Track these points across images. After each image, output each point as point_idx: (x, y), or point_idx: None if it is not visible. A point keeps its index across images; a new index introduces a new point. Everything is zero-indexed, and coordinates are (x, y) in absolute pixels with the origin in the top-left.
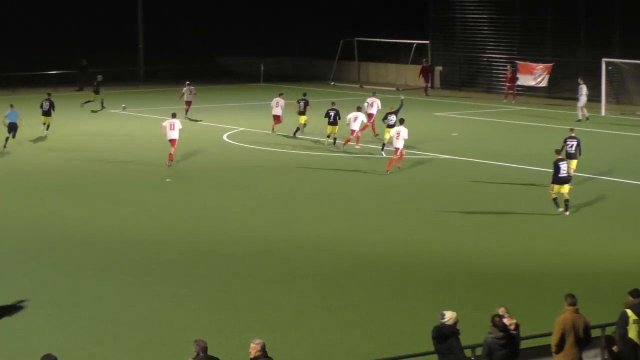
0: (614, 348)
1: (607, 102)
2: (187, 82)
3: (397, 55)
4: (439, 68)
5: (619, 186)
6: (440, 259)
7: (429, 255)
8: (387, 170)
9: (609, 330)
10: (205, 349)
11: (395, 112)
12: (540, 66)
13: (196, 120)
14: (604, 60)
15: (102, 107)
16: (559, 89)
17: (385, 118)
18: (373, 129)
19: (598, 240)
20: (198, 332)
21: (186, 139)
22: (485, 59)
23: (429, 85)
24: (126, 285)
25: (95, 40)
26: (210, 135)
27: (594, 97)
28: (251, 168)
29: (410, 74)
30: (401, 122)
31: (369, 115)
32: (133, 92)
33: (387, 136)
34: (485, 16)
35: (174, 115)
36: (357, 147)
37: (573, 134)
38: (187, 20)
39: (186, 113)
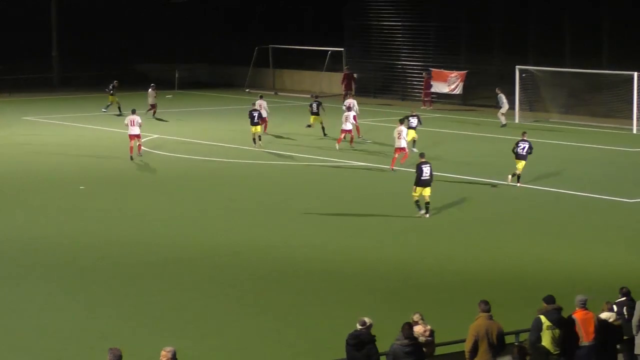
0: (527, 358)
1: (521, 109)
2: (152, 85)
3: (313, 62)
4: (354, 75)
5: (530, 192)
6: (360, 265)
7: (348, 262)
8: (392, 169)
9: (523, 337)
10: (119, 357)
11: (417, 115)
12: (455, 73)
13: (163, 120)
14: (517, 67)
15: (119, 111)
16: (474, 97)
17: (406, 119)
18: (358, 130)
19: (514, 246)
20: (113, 341)
21: (103, 146)
22: (400, 67)
23: (352, 92)
24: (41, 293)
25: (8, 48)
26: (127, 142)
27: (508, 105)
28: (169, 175)
29: (326, 81)
30: (401, 122)
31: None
32: (47, 99)
33: (409, 137)
34: (400, 23)
35: (133, 112)
36: (341, 145)
37: (525, 137)
38: (103, 26)
39: (153, 115)
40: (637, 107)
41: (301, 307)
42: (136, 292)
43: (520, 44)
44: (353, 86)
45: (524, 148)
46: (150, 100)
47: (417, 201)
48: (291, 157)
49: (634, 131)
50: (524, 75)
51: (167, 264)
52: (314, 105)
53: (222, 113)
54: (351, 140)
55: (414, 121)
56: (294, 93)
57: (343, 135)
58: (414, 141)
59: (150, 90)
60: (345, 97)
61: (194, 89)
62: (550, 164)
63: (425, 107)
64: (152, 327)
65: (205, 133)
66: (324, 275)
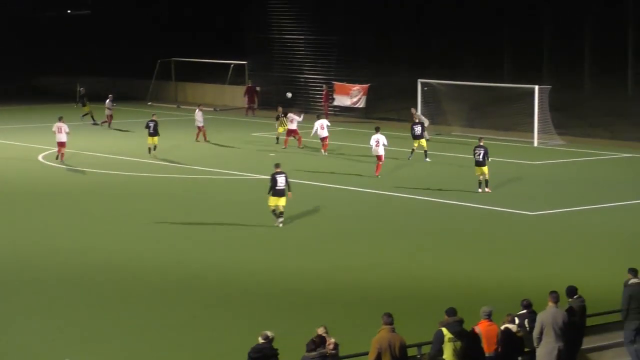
0: None
1: None
2: (110, 96)
3: (216, 75)
4: (257, 88)
5: (430, 204)
6: (265, 279)
7: (255, 276)
8: (377, 175)
9: (425, 349)
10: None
11: (421, 124)
12: (357, 87)
13: (124, 131)
14: (419, 81)
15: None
16: (377, 110)
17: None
18: (293, 140)
19: (416, 259)
20: (14, 357)
21: (1, 158)
22: (303, 80)
23: (255, 106)
24: None
25: None
26: (26, 156)
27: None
28: (68, 189)
29: (229, 94)
30: (377, 130)
31: (291, 131)
32: None
33: (415, 144)
34: (302, 36)
35: (60, 119)
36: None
37: (482, 143)
38: (4, 39)
39: (109, 125)
40: (538, 120)
41: (199, 323)
42: (44, 308)
43: (423, 57)
44: (256, 99)
45: (480, 154)
46: (107, 112)
47: (273, 210)
48: (179, 169)
49: (535, 144)
50: (426, 88)
51: (75, 279)
52: (151, 126)
53: (123, 126)
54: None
55: (418, 129)
56: (196, 106)
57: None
58: (425, 152)
59: (107, 101)
60: (248, 110)
61: (96, 102)
62: (453, 176)
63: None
64: (59, 341)
65: (100, 146)
66: (229, 288)
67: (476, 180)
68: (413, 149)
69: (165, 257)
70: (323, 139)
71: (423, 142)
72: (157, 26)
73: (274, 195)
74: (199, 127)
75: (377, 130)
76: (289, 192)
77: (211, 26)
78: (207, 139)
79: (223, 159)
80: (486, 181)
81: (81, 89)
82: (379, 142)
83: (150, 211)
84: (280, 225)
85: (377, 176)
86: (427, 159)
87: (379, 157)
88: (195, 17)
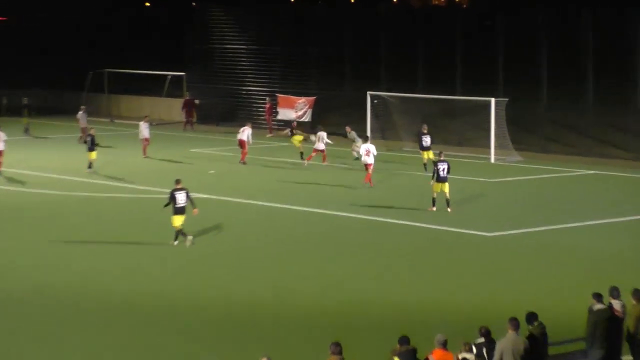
0: None
1: (373, 137)
2: (82, 107)
3: (152, 87)
4: (196, 101)
5: (380, 225)
6: (206, 304)
7: (198, 301)
8: (369, 184)
9: None
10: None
11: (429, 134)
12: (302, 99)
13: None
14: (369, 93)
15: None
16: (323, 124)
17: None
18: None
19: (366, 282)
20: None
21: None
22: (245, 92)
23: (193, 120)
24: None
25: None
26: None
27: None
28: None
29: (165, 107)
30: (365, 139)
31: (241, 142)
32: None
33: (425, 157)
34: (244, 47)
35: None
36: (324, 164)
37: (442, 158)
38: None
39: (79, 139)
40: (495, 135)
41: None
42: None
43: (372, 69)
44: (194, 113)
45: (444, 169)
46: (81, 124)
47: (178, 230)
48: (113, 188)
49: (492, 160)
50: (375, 101)
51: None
52: (88, 140)
53: (52, 141)
54: (324, 158)
55: (427, 140)
56: (131, 120)
57: (315, 153)
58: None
59: (80, 112)
60: (187, 124)
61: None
62: (404, 195)
63: (271, 135)
64: None
65: (26, 162)
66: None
67: (430, 197)
68: (425, 163)
69: (93, 282)
70: (367, 166)
71: (430, 154)
72: (90, 34)
73: (176, 214)
74: (144, 139)
75: (366, 139)
76: (194, 209)
77: (149, 34)
78: (147, 155)
79: (160, 176)
80: (447, 200)
81: (24, 99)
82: (369, 151)
83: (82, 230)
84: (176, 243)
85: (367, 184)
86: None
87: (367, 166)
88: (134, 24)
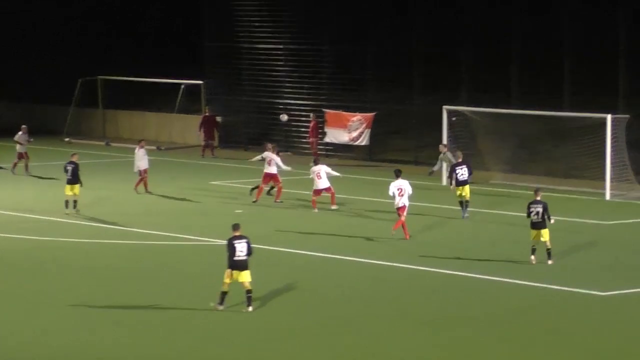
0: None
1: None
2: (23, 126)
3: (161, 101)
4: (218, 119)
5: (471, 281)
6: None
7: None
8: (405, 236)
9: None
10: None
11: (467, 163)
12: (358, 116)
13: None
14: (445, 107)
15: None
16: (386, 148)
17: (452, 172)
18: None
19: (447, 356)
20: None
21: None
22: (281, 106)
23: (214, 143)
24: None
25: None
26: None
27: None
28: None
29: (178, 126)
30: (397, 174)
31: (273, 177)
32: None
33: (458, 193)
34: (281, 46)
35: None
36: (333, 207)
37: (539, 197)
38: None
39: (12, 168)
40: (612, 163)
41: None
42: None
43: (449, 77)
44: (215, 134)
45: (538, 213)
46: (21, 148)
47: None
48: (108, 231)
49: (607, 197)
50: (454, 118)
51: None
52: (69, 169)
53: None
54: (332, 199)
55: (464, 172)
56: (132, 144)
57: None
58: (466, 202)
59: (20, 133)
60: (207, 149)
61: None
62: (497, 242)
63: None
64: None
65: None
66: None
67: (530, 247)
68: (461, 202)
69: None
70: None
71: (467, 189)
72: (83, 36)
73: (232, 268)
74: (140, 172)
75: (397, 174)
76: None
77: (157, 35)
78: (149, 189)
79: (170, 217)
80: (548, 250)
81: None
82: (402, 190)
83: (67, 290)
84: (250, 309)
85: (396, 233)
86: (466, 215)
87: (401, 210)
88: (134, 21)
